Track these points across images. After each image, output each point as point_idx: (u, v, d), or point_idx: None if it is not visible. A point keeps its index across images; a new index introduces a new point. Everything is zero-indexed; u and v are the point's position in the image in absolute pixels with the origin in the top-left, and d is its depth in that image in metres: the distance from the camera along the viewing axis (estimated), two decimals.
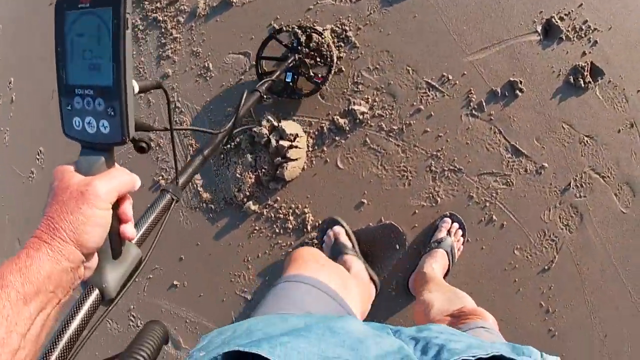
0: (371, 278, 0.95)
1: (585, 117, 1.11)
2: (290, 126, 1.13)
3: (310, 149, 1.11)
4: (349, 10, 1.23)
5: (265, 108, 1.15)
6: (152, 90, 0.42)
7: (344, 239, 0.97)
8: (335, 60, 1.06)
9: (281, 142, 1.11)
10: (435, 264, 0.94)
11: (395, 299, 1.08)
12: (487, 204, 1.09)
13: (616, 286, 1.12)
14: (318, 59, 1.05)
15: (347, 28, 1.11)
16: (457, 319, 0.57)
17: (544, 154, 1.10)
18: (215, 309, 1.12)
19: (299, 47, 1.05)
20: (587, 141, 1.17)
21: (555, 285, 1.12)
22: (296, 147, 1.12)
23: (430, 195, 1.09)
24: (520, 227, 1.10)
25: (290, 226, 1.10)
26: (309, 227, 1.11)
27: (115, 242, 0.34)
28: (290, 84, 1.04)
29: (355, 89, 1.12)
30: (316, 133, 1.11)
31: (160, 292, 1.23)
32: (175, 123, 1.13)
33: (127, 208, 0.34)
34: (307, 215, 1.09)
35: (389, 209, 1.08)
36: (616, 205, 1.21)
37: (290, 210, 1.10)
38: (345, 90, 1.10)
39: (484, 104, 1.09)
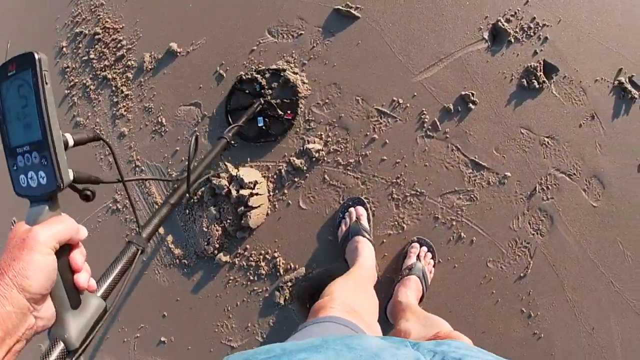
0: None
1: (544, 118, 1.01)
2: (248, 174, 1.01)
3: (271, 193, 1.03)
4: (292, 46, 1.18)
5: (222, 156, 1.06)
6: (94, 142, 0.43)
7: (364, 221, 0.94)
8: (300, 92, 1.00)
9: (242, 192, 1.04)
10: (409, 291, 0.88)
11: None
12: (454, 223, 1.00)
13: (597, 279, 1.03)
14: (283, 98, 1.00)
15: (293, 66, 1.02)
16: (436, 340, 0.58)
17: (505, 163, 1.00)
18: None
19: (262, 91, 1.01)
20: (548, 142, 1.03)
21: (534, 290, 1.02)
22: (257, 194, 1.06)
23: (396, 222, 1.00)
24: (491, 240, 1.01)
25: (264, 272, 1.03)
26: (281, 271, 1.03)
27: (71, 291, 0.34)
28: (263, 127, 1.00)
29: (308, 127, 1.02)
30: (275, 177, 1.03)
31: (150, 349, 1.22)
32: (133, 174, 1.12)
33: (77, 257, 0.34)
34: (278, 259, 1.02)
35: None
36: (586, 201, 1.14)
37: (261, 257, 1.03)
38: (298, 130, 1.02)
39: (438, 123, 0.99)
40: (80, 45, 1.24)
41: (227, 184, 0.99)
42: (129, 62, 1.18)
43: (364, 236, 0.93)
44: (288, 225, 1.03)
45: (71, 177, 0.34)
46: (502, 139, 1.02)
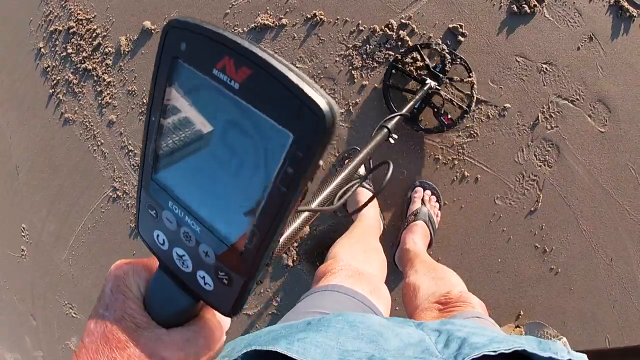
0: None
1: (539, 43, 0.90)
2: None
3: None
4: (265, 2, 1.06)
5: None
6: None
7: (363, 171, 0.83)
8: (473, 106, 0.83)
9: None
10: (417, 237, 0.82)
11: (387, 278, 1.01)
12: (456, 162, 0.90)
13: (611, 208, 0.94)
14: (455, 98, 0.82)
15: (272, 21, 0.91)
16: (445, 306, 0.51)
17: (504, 95, 0.89)
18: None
19: (441, 75, 0.82)
20: (546, 68, 0.92)
21: (547, 224, 0.93)
22: None
23: (397, 167, 0.95)
24: (496, 176, 0.91)
25: None
26: None
27: None
28: (415, 111, 0.82)
29: None
30: None
31: None
32: (127, 159, 1.04)
33: None
34: None
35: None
36: (592, 127, 1.03)
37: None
38: None
39: (428, 60, 0.85)
40: (57, 42, 1.16)
41: None
42: (106, 49, 1.09)
43: (364, 186, 0.86)
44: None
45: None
46: (497, 70, 0.91)
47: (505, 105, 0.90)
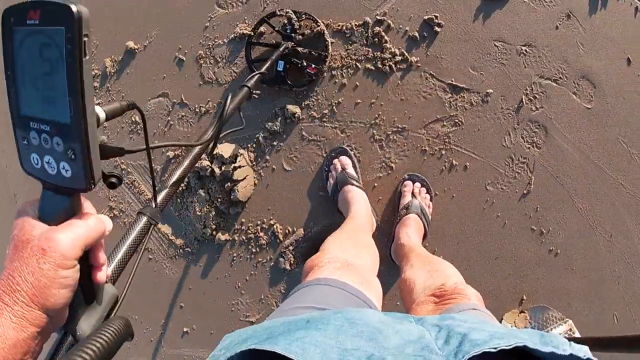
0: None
1: (516, 26, 0.91)
2: (226, 149, 0.93)
3: (254, 162, 0.96)
4: (244, 12, 1.10)
5: (189, 138, 1.08)
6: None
7: (350, 170, 0.89)
8: (330, 50, 0.89)
9: (224, 168, 0.94)
10: (410, 231, 0.82)
11: (383, 273, 0.93)
12: (443, 152, 0.92)
13: (605, 184, 0.94)
14: (312, 49, 0.88)
15: (248, 29, 0.92)
16: (440, 299, 0.51)
17: (485, 81, 0.90)
18: None
19: (293, 34, 0.89)
20: (525, 50, 0.92)
21: (541, 206, 0.94)
22: (239, 166, 0.97)
23: (384, 163, 0.93)
24: (485, 162, 0.92)
25: (264, 242, 0.98)
26: (281, 237, 0.97)
27: (87, 287, 0.28)
28: (282, 73, 0.88)
29: (277, 89, 0.93)
30: (254, 146, 0.96)
31: (176, 341, 1.20)
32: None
33: (100, 254, 0.28)
34: (275, 226, 0.96)
35: None
36: (578, 104, 1.02)
37: (258, 227, 0.98)
38: (265, 94, 0.94)
39: (406, 53, 0.90)
40: None
41: (208, 164, 0.94)
42: (93, 72, 1.13)
43: (353, 184, 0.86)
44: (277, 191, 0.97)
45: (100, 173, 0.25)
46: (476, 56, 0.92)
47: (488, 90, 0.92)
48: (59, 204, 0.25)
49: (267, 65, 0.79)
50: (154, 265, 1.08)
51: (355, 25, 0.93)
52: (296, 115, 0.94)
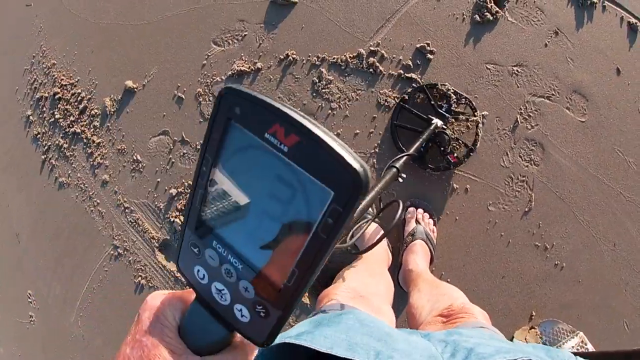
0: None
1: (507, 47, 0.95)
2: None
3: None
4: (239, 49, 1.14)
5: (191, 175, 1.10)
6: None
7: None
8: (478, 144, 0.87)
9: None
10: (417, 257, 0.84)
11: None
12: (443, 176, 0.94)
13: (605, 194, 0.97)
14: (461, 138, 0.86)
15: (248, 66, 0.98)
16: (449, 318, 0.52)
17: (479, 103, 0.94)
18: None
19: (447, 115, 0.86)
20: (517, 70, 0.96)
21: (544, 222, 0.96)
22: None
23: (387, 190, 0.95)
24: (485, 183, 0.95)
25: None
26: None
27: None
28: (422, 149, 0.85)
29: None
30: None
31: None
32: (124, 217, 1.08)
33: None
34: None
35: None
36: (572, 119, 1.04)
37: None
38: None
39: (400, 82, 0.94)
40: (44, 109, 1.23)
41: None
42: (92, 112, 1.16)
43: (366, 217, 0.86)
44: None
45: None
46: (469, 80, 0.96)
47: (483, 113, 0.96)
48: (213, 332, 0.20)
49: (416, 145, 0.74)
50: None
51: (350, 57, 0.97)
52: None
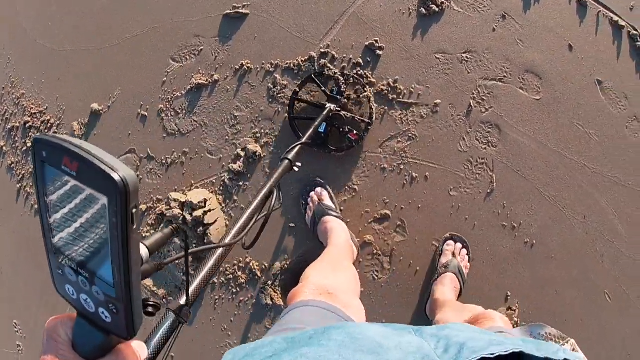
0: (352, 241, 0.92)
1: (454, 36, 0.99)
2: (196, 195, 0.99)
3: (223, 204, 1.02)
4: (197, 63, 1.18)
5: (159, 189, 1.05)
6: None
7: (327, 201, 0.93)
8: (374, 117, 0.92)
9: (195, 213, 1.04)
10: (446, 289, 0.86)
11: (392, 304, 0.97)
12: (402, 167, 0.98)
13: (568, 168, 1.00)
14: (356, 115, 0.90)
15: (206, 79, 1.01)
16: (472, 323, 0.54)
17: (432, 93, 0.97)
18: None
19: (339, 97, 0.90)
20: (467, 57, 0.99)
21: (508, 201, 0.99)
22: (209, 210, 1.05)
23: (347, 186, 0.99)
24: (444, 169, 0.98)
25: (243, 280, 1.02)
26: (258, 274, 1.02)
27: None
28: (322, 135, 0.89)
29: (235, 131, 1.03)
30: (221, 188, 1.02)
31: None
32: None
33: None
34: (252, 263, 1.01)
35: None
36: (527, 98, 1.02)
37: (236, 267, 1.02)
38: (227, 137, 1.02)
39: (351, 80, 0.95)
40: (17, 138, 1.28)
41: (180, 211, 1.00)
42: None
43: (331, 215, 0.91)
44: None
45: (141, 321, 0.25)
46: (420, 71, 1.00)
47: (436, 101, 0.99)
48: (95, 339, 0.24)
49: (309, 133, 0.76)
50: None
51: (302, 61, 1.01)
52: (257, 154, 1.01)
